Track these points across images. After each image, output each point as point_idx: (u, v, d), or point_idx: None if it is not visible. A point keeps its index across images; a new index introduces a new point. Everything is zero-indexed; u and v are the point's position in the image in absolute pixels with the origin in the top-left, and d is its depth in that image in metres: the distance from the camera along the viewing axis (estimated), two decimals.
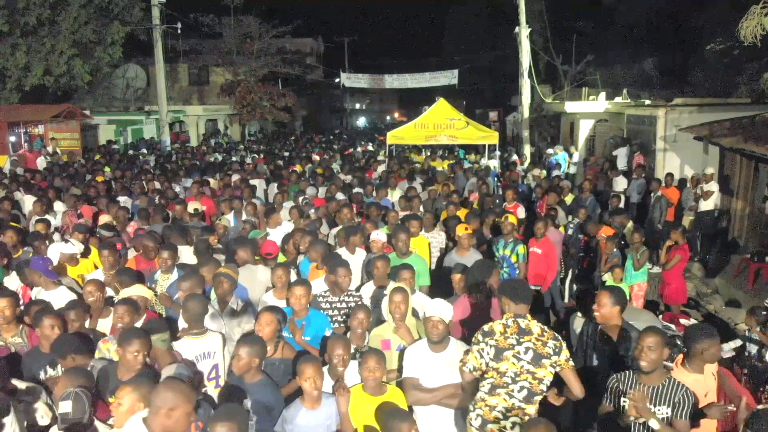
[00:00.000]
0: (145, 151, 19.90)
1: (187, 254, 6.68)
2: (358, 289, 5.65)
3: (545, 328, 3.92)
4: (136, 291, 5.13)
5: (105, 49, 20.12)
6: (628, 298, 7.38)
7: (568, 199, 11.12)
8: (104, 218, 8.20)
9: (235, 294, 5.24)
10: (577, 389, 3.85)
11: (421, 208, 9.07)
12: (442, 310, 4.09)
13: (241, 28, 30.49)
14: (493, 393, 3.81)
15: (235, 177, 12.30)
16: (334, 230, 7.84)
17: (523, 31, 20.76)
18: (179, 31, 22.00)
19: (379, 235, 6.52)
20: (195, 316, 4.47)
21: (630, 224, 9.01)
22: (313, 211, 8.83)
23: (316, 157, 17.64)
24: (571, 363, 3.86)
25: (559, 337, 3.90)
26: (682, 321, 6.66)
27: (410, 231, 6.67)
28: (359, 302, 5.17)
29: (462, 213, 9.16)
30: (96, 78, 21.73)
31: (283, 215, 8.43)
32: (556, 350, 3.81)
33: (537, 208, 10.79)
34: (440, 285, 6.33)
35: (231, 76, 30.22)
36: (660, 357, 3.66)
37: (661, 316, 6.96)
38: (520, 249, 7.16)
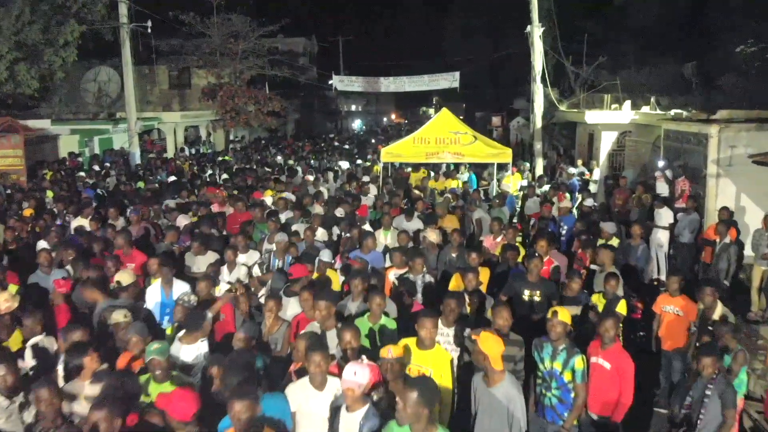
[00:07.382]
0: (99, 165, 17.19)
1: None
2: None
3: None
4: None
5: (56, 52, 17.47)
6: None
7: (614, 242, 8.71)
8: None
9: None
10: None
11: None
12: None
13: (226, 27, 28.02)
14: None
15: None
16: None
17: (536, 31, 18.29)
18: (149, 30, 19.47)
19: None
20: None
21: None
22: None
23: (309, 177, 14.81)
24: None
25: None
26: None
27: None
28: None
29: (484, 272, 6.98)
30: (51, 84, 19.11)
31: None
32: None
33: (576, 258, 8.34)
34: None
35: (214, 79, 27.81)
36: None
37: None
38: (578, 362, 4.69)
